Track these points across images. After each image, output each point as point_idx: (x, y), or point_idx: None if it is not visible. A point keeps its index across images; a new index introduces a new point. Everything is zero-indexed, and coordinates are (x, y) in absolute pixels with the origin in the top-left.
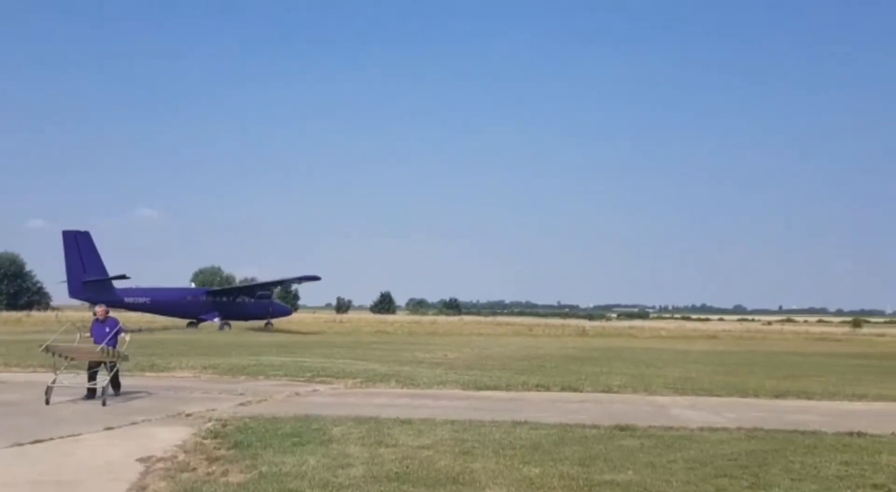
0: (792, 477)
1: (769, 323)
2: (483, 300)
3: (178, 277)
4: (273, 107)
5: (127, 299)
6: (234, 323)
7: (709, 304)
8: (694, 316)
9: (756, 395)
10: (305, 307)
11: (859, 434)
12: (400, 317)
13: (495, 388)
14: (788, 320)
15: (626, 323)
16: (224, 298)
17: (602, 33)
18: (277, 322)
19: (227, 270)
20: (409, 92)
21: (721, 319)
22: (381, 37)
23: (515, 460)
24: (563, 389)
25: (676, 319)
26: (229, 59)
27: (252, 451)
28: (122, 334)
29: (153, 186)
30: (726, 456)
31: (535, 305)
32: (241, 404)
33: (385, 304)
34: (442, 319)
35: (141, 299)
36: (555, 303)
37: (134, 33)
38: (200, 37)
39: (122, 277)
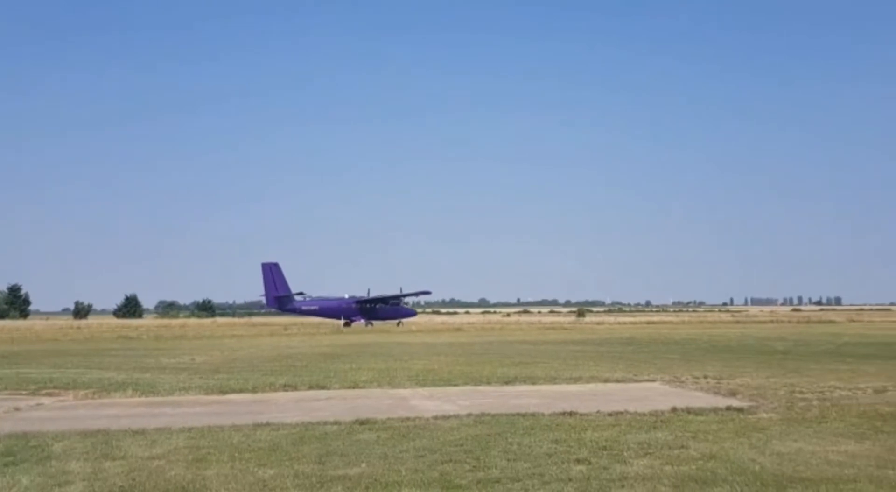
0: (509, 457)
1: (508, 314)
2: (240, 301)
3: None
4: None
5: (303, 308)
6: (375, 322)
7: (456, 298)
8: (444, 310)
9: (489, 382)
10: (38, 313)
11: (570, 414)
12: (147, 321)
13: (241, 390)
14: (525, 312)
15: None
16: (367, 306)
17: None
18: (407, 322)
19: None
20: None
21: (467, 312)
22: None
23: (251, 463)
24: (310, 387)
25: (427, 313)
26: None
27: None
28: None
29: None
30: (454, 442)
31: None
32: None
33: (130, 307)
34: (193, 321)
35: (312, 307)
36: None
37: None
38: None
39: (301, 294)
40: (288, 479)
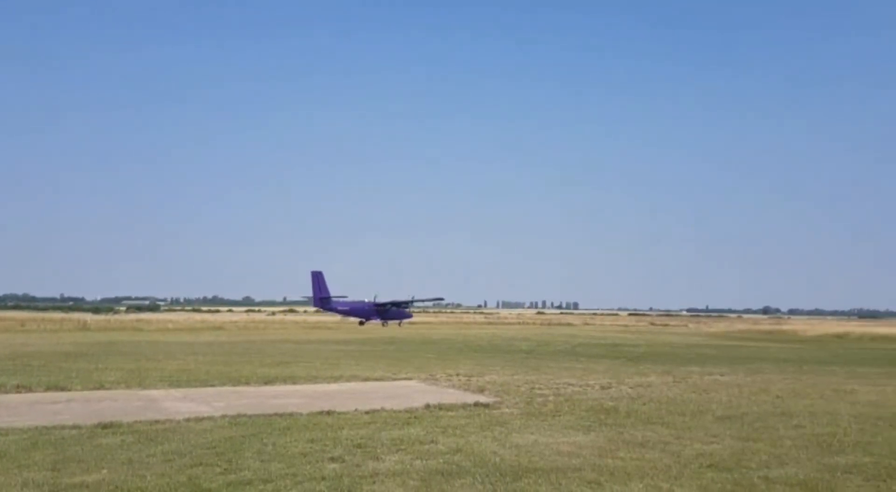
0: (263, 458)
1: (273, 313)
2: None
3: None
4: None
5: (339, 308)
6: (389, 322)
7: (220, 296)
8: (205, 308)
9: (248, 382)
10: None
11: (329, 413)
12: None
13: None
14: (291, 311)
15: (133, 316)
16: (382, 308)
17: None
18: (406, 321)
19: None
20: None
21: (230, 311)
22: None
23: None
24: (48, 388)
25: (187, 311)
26: None
27: None
28: None
29: None
30: (206, 444)
31: (35, 299)
32: None
33: None
34: None
35: (345, 308)
36: (57, 295)
37: None
38: None
39: (343, 296)
40: (15, 488)
